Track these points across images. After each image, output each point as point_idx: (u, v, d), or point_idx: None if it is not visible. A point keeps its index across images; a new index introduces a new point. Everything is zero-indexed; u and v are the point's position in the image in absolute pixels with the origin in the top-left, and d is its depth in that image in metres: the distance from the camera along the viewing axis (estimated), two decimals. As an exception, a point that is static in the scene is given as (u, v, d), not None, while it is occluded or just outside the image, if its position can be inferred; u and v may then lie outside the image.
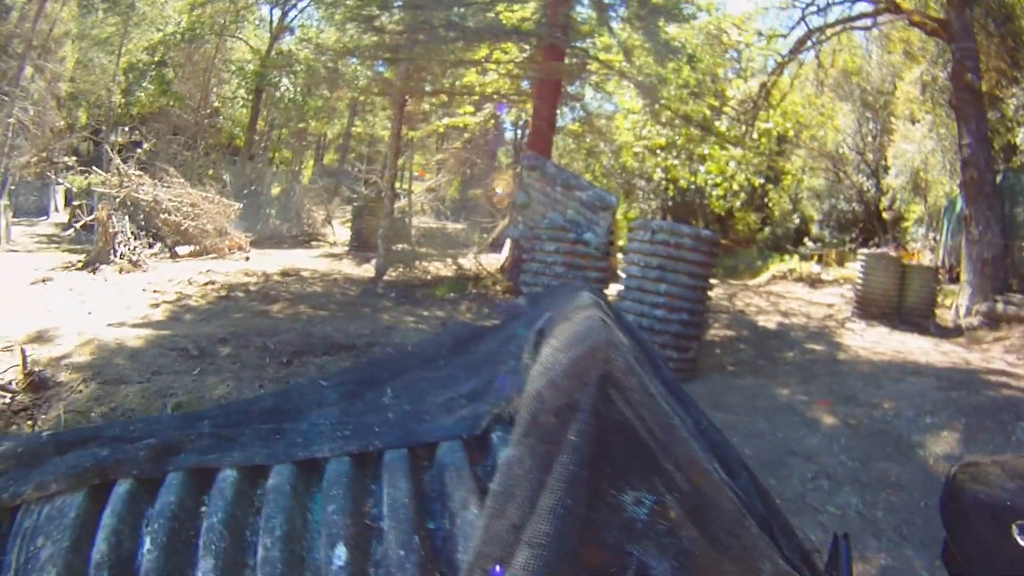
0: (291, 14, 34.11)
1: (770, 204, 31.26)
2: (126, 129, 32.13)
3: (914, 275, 14.80)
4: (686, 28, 18.71)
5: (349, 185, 31.54)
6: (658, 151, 24.34)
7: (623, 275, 10.28)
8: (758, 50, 20.88)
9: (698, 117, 18.51)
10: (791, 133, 25.58)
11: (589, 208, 11.98)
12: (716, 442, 2.01)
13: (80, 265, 14.40)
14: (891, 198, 27.29)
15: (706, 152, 22.66)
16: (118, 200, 16.17)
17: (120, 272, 13.87)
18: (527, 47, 17.49)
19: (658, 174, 25.92)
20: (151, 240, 16.08)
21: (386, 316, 11.81)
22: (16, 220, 20.78)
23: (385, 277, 15.31)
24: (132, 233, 15.27)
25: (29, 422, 6.15)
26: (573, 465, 1.43)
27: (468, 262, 16.64)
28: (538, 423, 1.51)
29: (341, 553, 1.97)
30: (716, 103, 19.42)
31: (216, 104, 33.58)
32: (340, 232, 25.87)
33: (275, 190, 28.21)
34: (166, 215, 16.43)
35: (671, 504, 1.62)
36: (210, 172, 25.78)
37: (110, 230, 14.62)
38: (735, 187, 24.27)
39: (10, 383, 6.81)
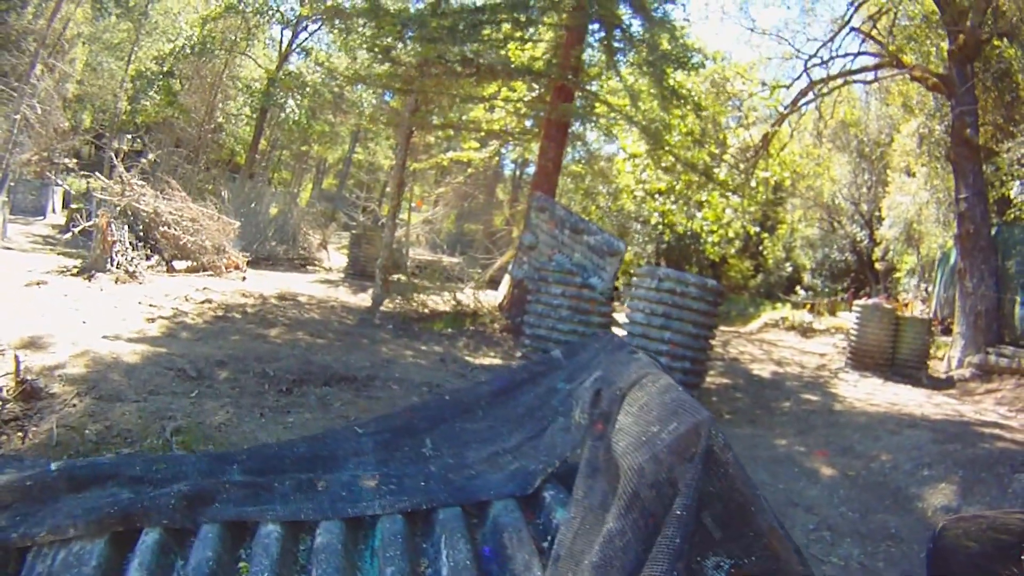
0: (301, 36, 34.26)
1: (764, 252, 31.48)
2: (129, 136, 32.12)
3: (908, 327, 14.84)
4: (692, 76, 18.87)
5: (346, 211, 31.55)
6: (656, 195, 24.44)
7: (627, 320, 10.29)
8: (761, 99, 21.08)
9: (699, 164, 18.60)
10: (788, 182, 25.75)
11: (597, 253, 12.02)
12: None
13: (76, 271, 14.29)
14: (884, 249, 27.49)
15: (704, 198, 22.76)
16: (119, 208, 16.12)
17: (116, 282, 13.76)
18: (537, 86, 17.59)
19: (655, 218, 26.00)
20: (149, 252, 15.99)
21: (385, 348, 11.74)
22: (13, 218, 20.69)
23: (382, 308, 15.25)
24: (130, 243, 15.18)
25: (19, 433, 6.00)
26: (679, 539, 1.44)
27: (466, 297, 16.59)
28: (640, 497, 1.50)
29: (404, 617, 1.93)
30: (716, 151, 19.55)
31: (220, 120, 33.68)
32: (335, 258, 25.88)
33: (273, 210, 28.18)
34: (166, 228, 16.36)
35: (747, 568, 1.63)
36: (209, 187, 25.74)
37: (108, 238, 14.54)
38: (731, 234, 24.38)
39: (1, 389, 6.71)
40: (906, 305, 22.67)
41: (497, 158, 25.87)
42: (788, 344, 18.18)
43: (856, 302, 17.00)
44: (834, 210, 31.06)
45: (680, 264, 28.71)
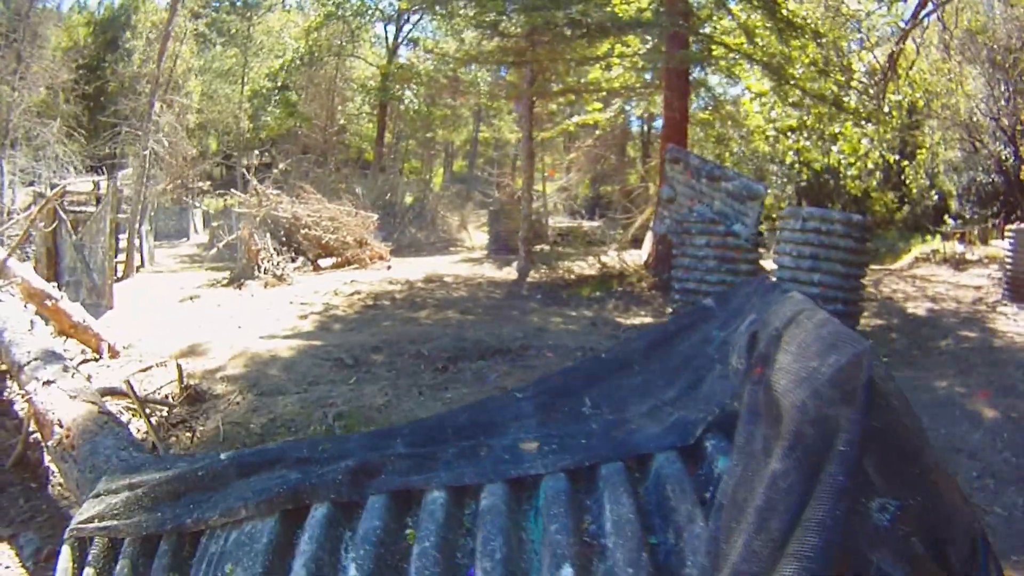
0: (405, 28, 34.75)
1: (907, 181, 30.11)
2: (257, 152, 33.31)
3: (1070, 248, 13.67)
4: (805, 2, 18.17)
5: (481, 190, 31.93)
6: (788, 133, 23.67)
7: (775, 266, 10.06)
8: (879, 16, 20.08)
9: (827, 94, 17.89)
10: (921, 103, 24.51)
11: (737, 199, 11.70)
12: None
13: (225, 282, 14.95)
14: (1032, 166, 25.79)
15: (837, 131, 21.93)
16: (258, 218, 16.71)
17: (265, 287, 14.31)
18: (649, 38, 17.27)
19: (790, 157, 25.18)
20: (293, 255, 16.55)
21: (535, 318, 11.80)
22: (158, 243, 21.76)
23: (528, 279, 15.34)
24: (274, 249, 15.74)
25: (188, 433, 6.30)
26: (842, 476, 1.36)
27: (610, 259, 16.49)
28: (803, 435, 1.42)
29: (567, 573, 1.90)
30: (843, 78, 18.75)
31: (342, 121, 34.59)
32: (477, 236, 26.22)
33: (408, 199, 28.69)
34: (306, 230, 16.89)
35: (912, 510, 1.52)
36: (343, 186, 26.41)
37: (253, 247, 15.12)
38: (870, 165, 23.39)
39: (167, 397, 7.06)
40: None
41: (622, 116, 25.53)
42: (941, 279, 17.33)
43: (1008, 227, 15.98)
44: (974, 128, 29.33)
45: (822, 202, 27.75)
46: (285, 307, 12.27)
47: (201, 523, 2.46)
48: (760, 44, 16.91)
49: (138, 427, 6.01)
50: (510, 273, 16.83)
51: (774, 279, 9.88)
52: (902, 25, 18.62)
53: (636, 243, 19.16)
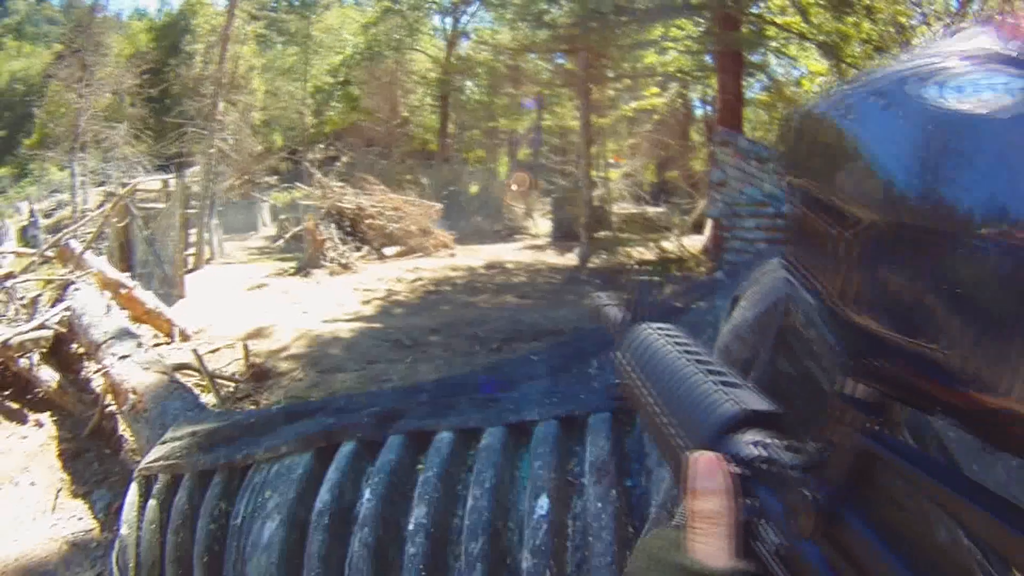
0: (463, 19, 34.99)
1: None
2: (321, 146, 33.76)
3: None
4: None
5: (545, 177, 31.95)
6: (849, 114, 23.16)
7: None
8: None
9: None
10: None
11: (786, 180, 11.68)
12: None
13: (292, 271, 15.30)
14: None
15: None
16: (323, 210, 17.09)
17: (331, 275, 14.63)
18: (701, 20, 17.19)
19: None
20: (358, 244, 16.82)
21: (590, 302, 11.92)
22: (227, 236, 22.23)
23: (588, 264, 15.46)
24: (339, 239, 16.09)
25: (252, 406, 6.67)
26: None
27: (671, 245, 16.50)
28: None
29: (543, 504, 2.22)
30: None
31: (405, 114, 34.75)
32: (541, 224, 26.20)
33: (473, 188, 28.85)
34: (371, 220, 17.17)
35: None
36: (407, 177, 26.70)
37: (318, 237, 15.45)
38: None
39: (234, 374, 7.52)
40: None
41: (681, 100, 25.39)
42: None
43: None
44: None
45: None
46: (349, 293, 12.59)
47: (249, 459, 2.87)
48: (816, 23, 16.72)
49: (207, 402, 6.38)
50: (571, 259, 16.97)
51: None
52: (961, -2, 18.13)
53: (698, 229, 19.08)
